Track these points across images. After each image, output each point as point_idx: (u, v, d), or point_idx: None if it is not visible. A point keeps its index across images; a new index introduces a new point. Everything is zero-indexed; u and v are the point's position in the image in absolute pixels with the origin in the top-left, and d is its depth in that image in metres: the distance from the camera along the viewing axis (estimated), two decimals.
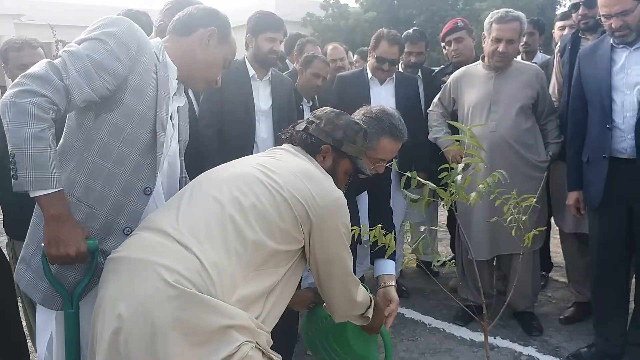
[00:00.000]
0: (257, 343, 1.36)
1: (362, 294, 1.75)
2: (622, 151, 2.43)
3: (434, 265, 4.05)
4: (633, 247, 2.57)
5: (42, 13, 14.15)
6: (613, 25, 2.33)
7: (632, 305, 2.71)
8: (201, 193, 1.51)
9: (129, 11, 2.64)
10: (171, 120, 1.70)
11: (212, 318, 1.28)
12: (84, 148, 1.53)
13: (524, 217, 1.81)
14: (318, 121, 1.75)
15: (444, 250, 4.58)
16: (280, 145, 1.80)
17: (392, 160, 2.06)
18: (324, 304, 1.78)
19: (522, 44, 3.69)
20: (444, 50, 3.73)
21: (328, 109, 1.83)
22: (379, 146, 2.02)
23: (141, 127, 1.57)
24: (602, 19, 2.39)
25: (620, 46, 2.42)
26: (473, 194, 1.78)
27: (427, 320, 3.34)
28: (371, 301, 1.82)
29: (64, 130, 1.60)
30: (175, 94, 1.71)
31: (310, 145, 1.72)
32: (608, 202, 2.52)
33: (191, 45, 1.68)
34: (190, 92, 2.84)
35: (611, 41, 2.45)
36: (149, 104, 1.57)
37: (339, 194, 1.60)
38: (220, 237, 1.39)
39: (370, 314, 1.80)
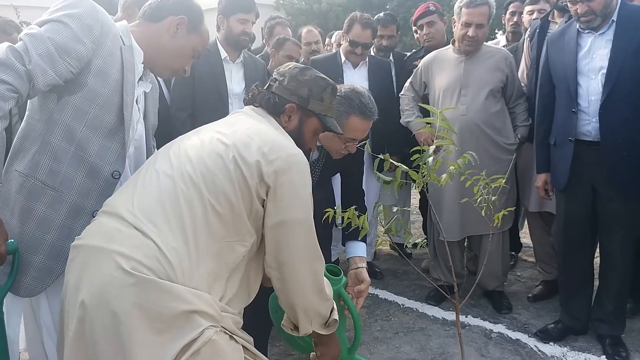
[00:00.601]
0: (222, 327, 1.34)
1: (328, 285, 1.62)
2: (587, 134, 2.50)
3: (406, 246, 4.13)
4: (597, 227, 2.66)
5: None
6: (579, 11, 2.39)
7: (596, 283, 2.81)
8: (154, 171, 1.44)
9: None
10: (137, 104, 1.68)
11: (172, 304, 1.25)
12: (47, 131, 1.51)
13: (493, 198, 1.86)
14: (281, 78, 1.63)
15: (416, 232, 4.65)
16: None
17: (365, 143, 2.07)
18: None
19: (511, 23, 3.67)
20: (415, 34, 3.75)
21: (292, 64, 1.70)
22: (349, 125, 2.00)
23: (105, 111, 1.55)
24: (569, 4, 2.43)
25: (586, 31, 2.47)
26: (444, 176, 1.82)
27: (401, 300, 3.40)
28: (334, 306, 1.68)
29: (26, 112, 1.57)
30: (141, 79, 1.69)
31: (274, 105, 1.61)
32: (574, 184, 2.59)
33: (159, 32, 1.66)
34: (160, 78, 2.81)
35: (577, 26, 2.50)
36: (113, 87, 1.55)
37: (297, 151, 1.49)
38: (175, 216, 1.33)
39: (336, 316, 1.64)
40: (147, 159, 1.77)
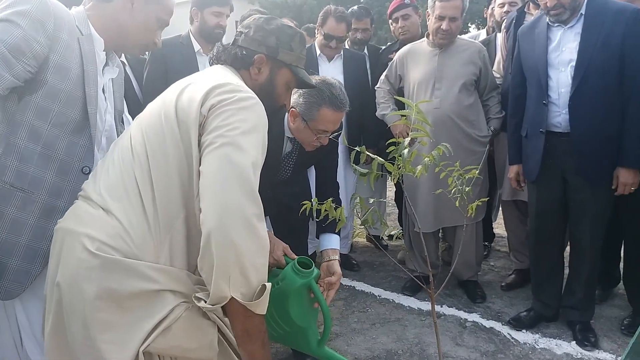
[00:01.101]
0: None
1: (263, 228, 1.27)
2: (558, 125, 2.55)
3: (382, 238, 4.17)
4: (567, 216, 2.72)
5: None
6: (548, 4, 2.43)
7: (566, 271, 2.89)
8: (118, 148, 1.42)
9: None
10: (104, 93, 1.62)
11: (138, 283, 1.25)
12: (10, 132, 1.46)
13: (467, 189, 1.89)
14: (247, 30, 1.55)
15: (392, 224, 4.70)
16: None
17: (340, 134, 2.07)
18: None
19: (504, 10, 3.57)
20: (391, 27, 3.77)
21: (257, 15, 1.65)
22: (320, 116, 1.98)
23: (69, 106, 1.50)
24: None
25: (556, 25, 2.52)
26: (419, 167, 1.84)
27: (377, 291, 3.43)
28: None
29: None
30: (106, 65, 1.64)
31: (242, 59, 1.52)
32: (545, 175, 2.65)
33: (115, 11, 1.58)
34: (128, 69, 2.76)
35: (547, 20, 2.54)
36: (75, 81, 1.50)
37: (247, 89, 1.38)
38: (134, 192, 1.31)
39: (268, 286, 1.28)
40: None
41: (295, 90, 1.95)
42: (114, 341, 1.24)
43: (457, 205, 1.91)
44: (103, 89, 1.62)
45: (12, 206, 1.47)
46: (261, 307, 1.25)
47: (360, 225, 1.86)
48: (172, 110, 1.34)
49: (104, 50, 1.60)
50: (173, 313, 1.28)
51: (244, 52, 1.52)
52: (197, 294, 1.28)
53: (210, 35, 2.88)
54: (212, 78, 1.40)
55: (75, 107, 1.51)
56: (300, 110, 2.02)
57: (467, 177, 1.88)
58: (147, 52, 2.97)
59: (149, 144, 1.34)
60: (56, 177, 1.51)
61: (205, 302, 1.24)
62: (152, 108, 1.44)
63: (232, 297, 1.20)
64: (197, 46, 2.90)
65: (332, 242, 2.24)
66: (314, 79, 2.00)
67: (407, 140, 1.79)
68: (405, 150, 1.80)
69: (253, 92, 1.38)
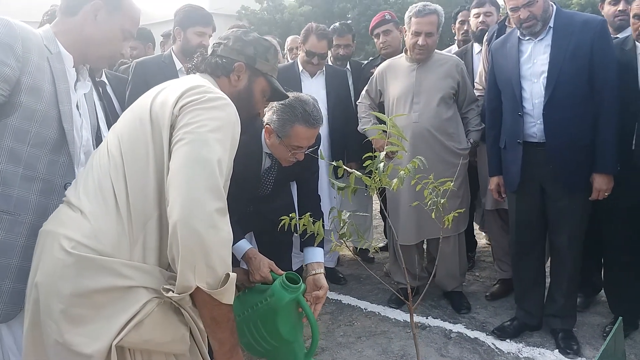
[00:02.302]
0: (167, 296, 1.34)
1: (225, 220, 1.30)
2: (533, 136, 2.61)
3: (369, 251, 4.19)
4: (547, 225, 2.76)
5: None
6: (521, 17, 2.49)
7: (548, 280, 2.92)
8: (95, 156, 1.48)
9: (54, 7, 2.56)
10: (78, 109, 1.64)
11: (111, 280, 1.30)
12: None
13: (442, 200, 1.92)
14: (226, 41, 1.65)
15: (379, 236, 4.72)
16: None
17: (318, 149, 2.10)
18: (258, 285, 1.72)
19: (462, 31, 3.71)
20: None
21: (234, 28, 1.73)
22: (293, 133, 2.02)
23: (46, 126, 1.51)
24: (510, 12, 2.54)
25: (527, 38, 2.59)
26: (395, 180, 1.87)
27: (363, 304, 3.44)
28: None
29: None
30: (78, 81, 1.65)
31: (223, 66, 1.61)
32: (524, 185, 2.70)
33: (79, 25, 1.59)
34: (109, 88, 2.79)
35: (517, 34, 2.61)
36: (48, 100, 1.51)
37: (220, 92, 1.45)
38: (109, 193, 1.36)
39: (232, 274, 1.29)
40: None
41: (269, 107, 2.03)
42: (88, 335, 1.29)
43: (433, 216, 1.94)
44: (77, 105, 1.63)
45: (0, 230, 1.47)
46: (227, 296, 1.28)
47: (338, 239, 1.88)
48: (147, 114, 1.40)
49: (73, 67, 1.61)
50: (145, 308, 1.32)
51: (224, 60, 1.61)
52: (165, 285, 1.32)
53: (192, 54, 2.91)
54: (185, 82, 1.46)
55: (52, 126, 1.52)
56: (275, 127, 2.05)
57: (442, 189, 1.92)
58: (129, 70, 3.01)
59: (123, 147, 1.40)
60: (40, 196, 1.52)
61: (173, 291, 1.28)
62: (127, 114, 1.50)
63: (198, 286, 1.24)
64: (179, 64, 2.93)
65: (316, 256, 2.27)
66: (289, 95, 2.04)
67: (383, 154, 1.83)
68: (382, 164, 1.84)
69: (224, 95, 1.45)
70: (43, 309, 1.32)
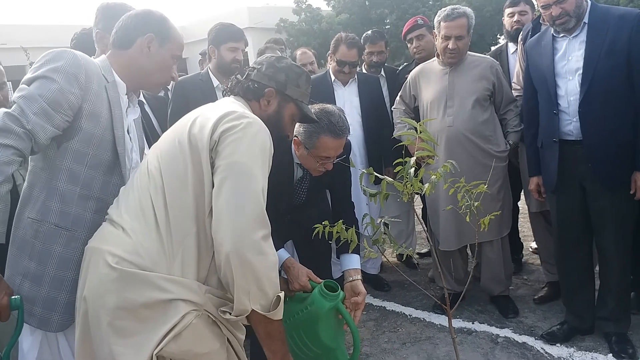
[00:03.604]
0: (205, 310, 1.44)
1: (270, 245, 1.43)
2: (570, 134, 2.54)
3: (412, 257, 4.16)
4: (590, 225, 2.68)
5: (15, 36, 14.12)
6: (553, 14, 2.44)
7: (598, 282, 2.82)
8: (135, 175, 1.60)
9: (83, 30, 2.71)
10: (128, 134, 1.75)
11: (152, 293, 1.38)
12: (52, 177, 1.59)
13: (476, 203, 1.90)
14: (259, 66, 1.73)
15: (423, 242, 4.68)
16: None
17: (347, 157, 2.11)
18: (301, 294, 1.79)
19: (514, 19, 3.48)
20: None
21: (268, 54, 1.83)
22: (320, 144, 2.06)
23: (102, 149, 1.64)
24: (542, 10, 2.50)
25: (561, 35, 2.53)
26: (427, 185, 1.87)
27: (408, 311, 3.42)
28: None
29: (30, 164, 1.66)
30: (129, 107, 1.77)
31: (254, 91, 1.70)
32: (563, 184, 2.63)
33: (134, 57, 1.71)
34: (147, 107, 2.91)
35: (552, 31, 2.56)
36: (105, 125, 1.63)
37: (253, 116, 1.53)
38: (148, 210, 1.46)
39: (281, 295, 1.44)
40: None
41: None
42: (131, 346, 1.38)
43: (468, 220, 1.92)
44: (128, 130, 1.75)
45: (58, 244, 1.60)
46: (278, 314, 1.43)
47: (372, 245, 1.89)
48: (185, 136, 1.50)
49: (126, 94, 1.74)
50: (184, 320, 1.40)
51: (256, 85, 1.70)
52: (222, 308, 1.46)
53: (227, 70, 3.01)
54: (221, 108, 1.56)
55: (107, 149, 1.65)
56: (302, 139, 2.11)
57: (475, 192, 1.90)
58: (169, 90, 3.13)
59: (163, 167, 1.49)
60: (94, 214, 1.64)
61: (230, 314, 1.43)
62: (166, 136, 1.62)
63: (252, 309, 1.39)
64: (215, 81, 3.04)
65: (352, 262, 2.29)
66: (313, 108, 2.09)
67: (413, 159, 1.84)
68: (412, 170, 1.84)
69: (258, 118, 1.54)
70: (92, 322, 1.42)
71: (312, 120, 1.84)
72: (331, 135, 2.06)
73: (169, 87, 3.14)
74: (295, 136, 2.13)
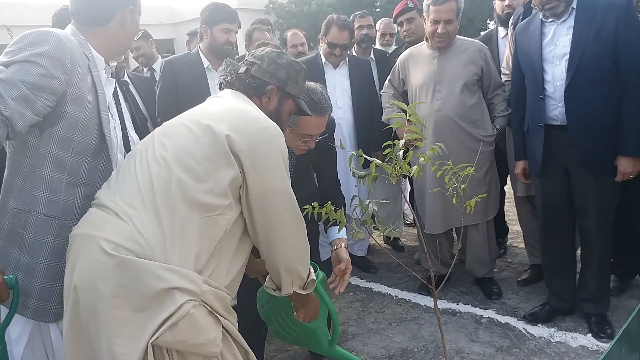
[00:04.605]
0: (202, 300, 1.42)
1: (307, 250, 1.66)
2: (555, 118, 2.58)
3: (399, 239, 4.22)
4: (574, 208, 2.73)
5: None
6: None
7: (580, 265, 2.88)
8: (132, 160, 1.53)
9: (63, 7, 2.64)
10: (109, 110, 1.70)
11: (150, 282, 1.35)
12: (36, 165, 1.53)
13: (462, 186, 1.93)
14: (260, 62, 1.70)
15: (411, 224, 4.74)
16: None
17: (327, 135, 2.12)
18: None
19: (505, 3, 3.48)
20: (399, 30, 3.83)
21: (268, 48, 1.79)
22: (302, 122, 2.05)
23: (88, 133, 1.58)
24: None
25: (549, 20, 2.55)
26: (415, 167, 1.90)
27: (394, 292, 3.48)
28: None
29: (8, 150, 1.59)
30: (105, 80, 1.71)
31: (255, 88, 1.68)
32: (548, 168, 2.67)
33: (113, 31, 1.66)
34: (132, 87, 2.88)
35: (540, 16, 2.58)
36: (90, 109, 1.58)
37: (272, 123, 1.56)
38: (150, 198, 1.42)
39: (313, 277, 1.71)
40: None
41: None
42: (127, 335, 1.35)
43: (455, 202, 1.95)
44: (108, 106, 1.69)
45: (50, 234, 1.56)
46: (310, 289, 1.71)
47: (360, 226, 1.91)
48: (202, 133, 1.47)
49: (103, 70, 1.68)
50: (181, 310, 1.37)
51: (257, 82, 1.68)
52: (266, 285, 1.70)
53: (220, 52, 2.99)
54: (233, 109, 1.56)
55: (92, 133, 1.59)
56: None
57: (462, 174, 1.93)
58: (160, 68, 3.10)
59: (172, 158, 1.46)
60: (83, 201, 1.59)
61: (274, 290, 1.68)
62: (176, 128, 1.55)
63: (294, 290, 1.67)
64: (206, 62, 3.02)
65: (336, 233, 2.33)
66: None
67: (402, 142, 1.86)
68: (400, 152, 1.87)
69: (267, 118, 1.57)
70: (84, 310, 1.38)
71: (308, 114, 1.85)
72: (314, 113, 2.05)
73: (160, 66, 3.12)
74: None
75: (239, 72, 1.71)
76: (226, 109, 1.55)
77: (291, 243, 1.57)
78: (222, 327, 1.49)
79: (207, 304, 1.44)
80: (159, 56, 3.93)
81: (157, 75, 3.71)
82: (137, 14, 1.70)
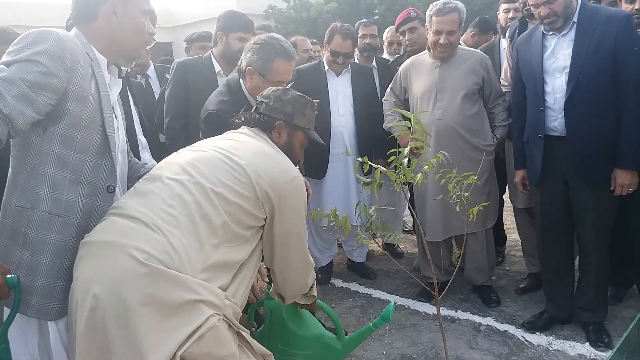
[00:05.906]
0: (224, 315, 1.47)
1: (312, 277, 1.91)
2: (555, 130, 2.62)
3: (397, 246, 4.24)
4: (572, 218, 2.76)
5: None
6: (542, 13, 2.51)
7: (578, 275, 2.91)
8: (164, 178, 1.59)
9: None
10: (114, 111, 1.70)
11: (180, 293, 1.39)
12: (39, 163, 1.53)
13: (466, 194, 1.97)
14: (267, 100, 1.86)
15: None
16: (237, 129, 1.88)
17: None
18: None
19: (509, 16, 3.54)
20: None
21: (273, 88, 1.93)
22: (275, 68, 2.19)
23: (90, 132, 1.58)
24: (532, 8, 2.56)
25: (550, 33, 2.60)
26: (419, 175, 1.93)
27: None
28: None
29: (12, 149, 1.59)
30: (111, 81, 1.70)
31: (265, 124, 1.84)
32: (547, 178, 2.71)
33: (103, 28, 1.64)
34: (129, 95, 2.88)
35: (542, 29, 2.62)
36: (93, 107, 1.58)
37: (297, 173, 1.72)
38: (186, 217, 1.49)
39: (314, 292, 1.96)
40: (129, 159, 1.88)
41: (248, 49, 2.23)
42: (154, 345, 1.36)
43: (458, 210, 1.99)
44: (113, 107, 1.70)
45: (52, 232, 1.55)
46: (312, 294, 1.97)
47: (365, 232, 1.95)
48: (239, 169, 1.61)
49: (106, 70, 1.68)
50: (207, 323, 1.42)
51: (266, 119, 1.84)
52: (271, 292, 1.96)
53: (232, 59, 2.98)
54: (266, 156, 1.70)
55: (95, 131, 1.59)
56: (257, 66, 2.19)
57: (465, 183, 1.96)
58: (171, 70, 3.12)
59: (210, 189, 1.55)
60: (87, 199, 1.59)
61: (278, 297, 1.90)
62: (211, 156, 1.66)
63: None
64: (217, 67, 3.03)
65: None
66: (262, 36, 2.24)
67: (407, 149, 1.89)
68: (405, 160, 1.90)
69: (294, 167, 1.75)
70: (107, 317, 1.38)
71: (320, 144, 1.98)
72: (284, 58, 2.19)
73: (172, 67, 3.12)
74: (249, 66, 2.21)
75: (250, 111, 1.89)
76: (256, 153, 1.68)
77: (300, 276, 1.85)
78: (239, 339, 1.55)
79: (228, 319, 1.49)
80: (151, 62, 3.95)
81: (152, 82, 3.75)
82: (128, 7, 1.64)
